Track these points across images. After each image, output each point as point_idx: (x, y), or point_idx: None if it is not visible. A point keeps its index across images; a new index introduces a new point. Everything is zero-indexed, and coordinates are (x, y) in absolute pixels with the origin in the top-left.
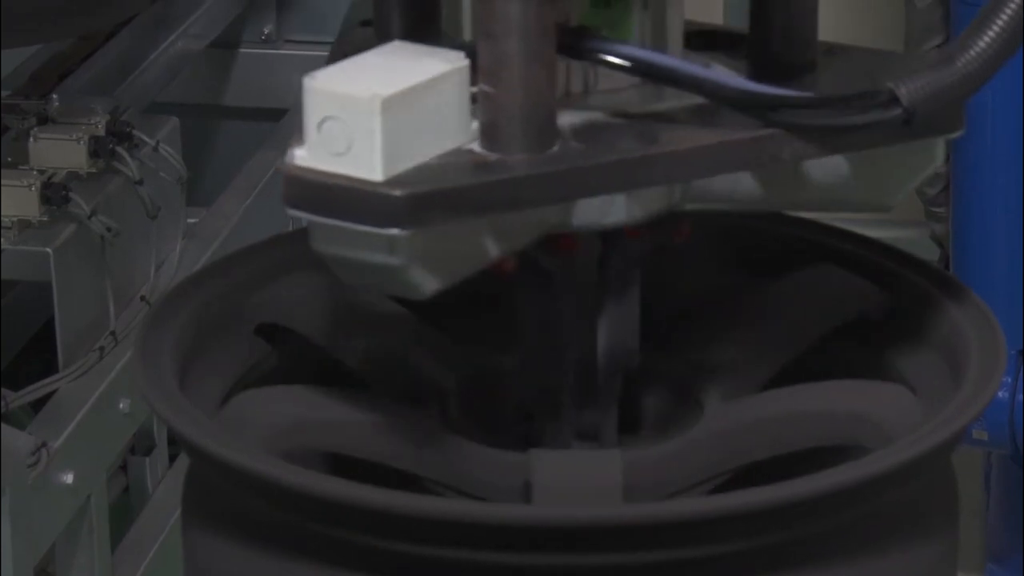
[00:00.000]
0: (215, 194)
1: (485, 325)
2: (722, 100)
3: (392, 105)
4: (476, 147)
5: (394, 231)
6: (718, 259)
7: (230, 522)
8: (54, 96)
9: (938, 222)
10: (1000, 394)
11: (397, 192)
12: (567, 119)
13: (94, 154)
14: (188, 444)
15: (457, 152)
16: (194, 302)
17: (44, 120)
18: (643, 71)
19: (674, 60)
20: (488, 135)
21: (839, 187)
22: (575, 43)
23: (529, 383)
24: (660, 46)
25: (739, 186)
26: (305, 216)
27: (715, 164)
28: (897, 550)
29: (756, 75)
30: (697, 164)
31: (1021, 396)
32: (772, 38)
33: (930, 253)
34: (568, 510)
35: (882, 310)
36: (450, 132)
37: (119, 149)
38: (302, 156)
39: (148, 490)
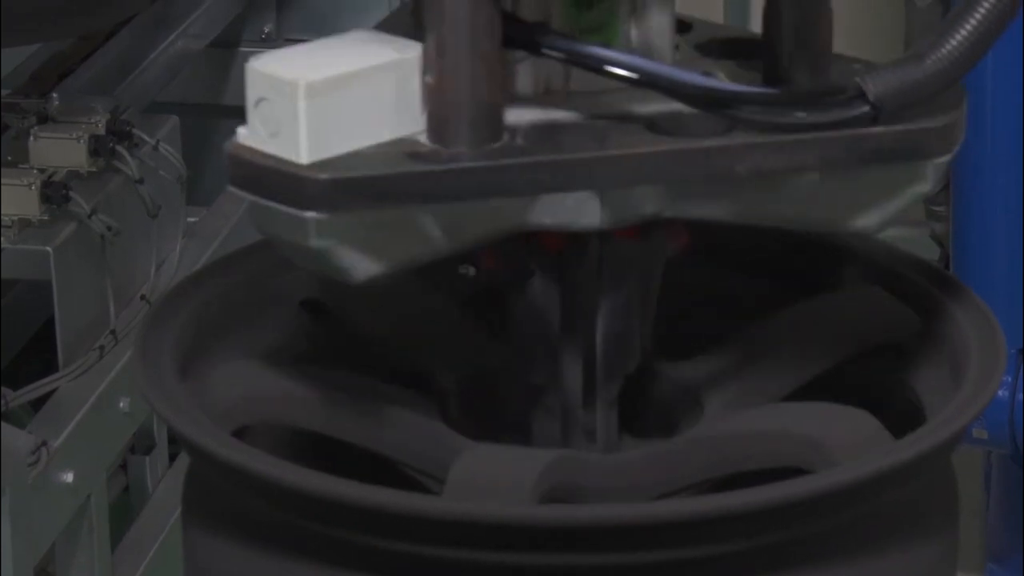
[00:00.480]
0: (215, 193)
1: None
2: (679, 96)
3: (318, 90)
4: (423, 138)
5: (312, 214)
6: (750, 264)
7: (230, 521)
8: (54, 95)
9: (938, 221)
10: (1000, 393)
11: (317, 176)
12: (529, 116)
13: (94, 153)
14: (188, 443)
15: (399, 142)
16: (194, 301)
17: (44, 119)
18: (595, 67)
19: (630, 56)
20: (431, 126)
21: (818, 206)
22: (528, 38)
23: (522, 380)
24: (647, 50)
25: (712, 197)
26: (242, 194)
27: (658, 172)
28: (897, 550)
29: (767, 83)
30: (638, 170)
31: (1021, 395)
32: (782, 46)
33: (930, 252)
34: (568, 510)
35: (905, 334)
36: (394, 121)
37: (119, 148)
38: (243, 135)
39: (148, 489)
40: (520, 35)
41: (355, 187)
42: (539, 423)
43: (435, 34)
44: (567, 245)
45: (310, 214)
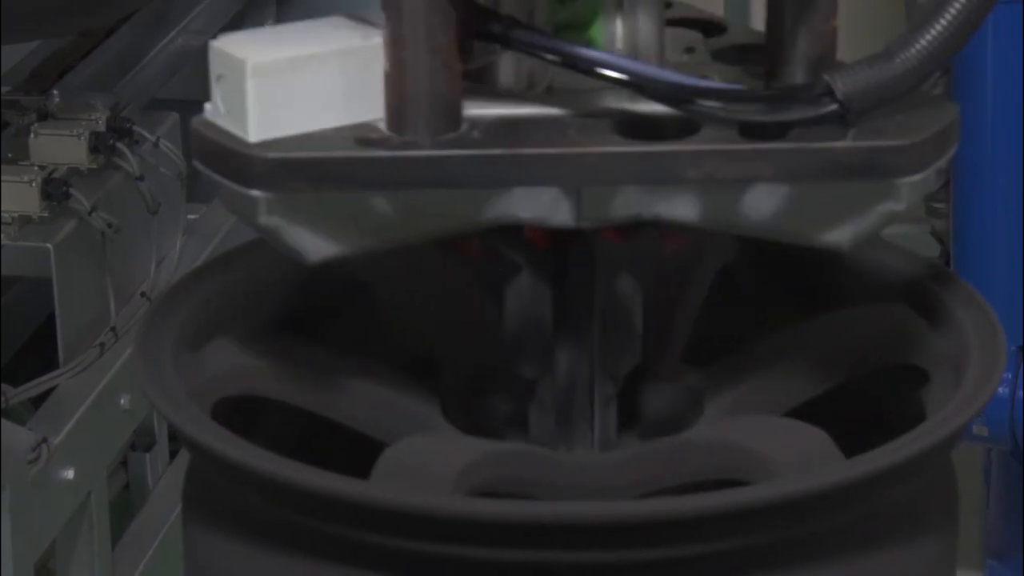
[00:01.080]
0: (215, 190)
1: None
2: (643, 90)
3: (266, 70)
4: (383, 125)
5: (257, 192)
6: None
7: (231, 518)
8: (55, 92)
9: (938, 218)
10: (1000, 390)
11: (262, 155)
12: (498, 110)
13: (95, 150)
14: (188, 440)
15: (357, 127)
16: (194, 298)
17: (45, 116)
18: (562, 62)
19: (594, 51)
20: (388, 114)
21: (784, 218)
22: (497, 32)
23: (519, 375)
24: (632, 48)
25: (681, 201)
26: (202, 169)
27: (609, 172)
28: (896, 548)
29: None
30: (589, 169)
31: (1021, 392)
32: (783, 50)
33: (930, 249)
34: (581, 507)
35: (938, 360)
36: (353, 106)
37: (120, 145)
38: (208, 111)
39: (148, 486)
40: (489, 28)
41: (299, 168)
42: (536, 420)
43: (391, 26)
44: (556, 242)
45: (256, 192)
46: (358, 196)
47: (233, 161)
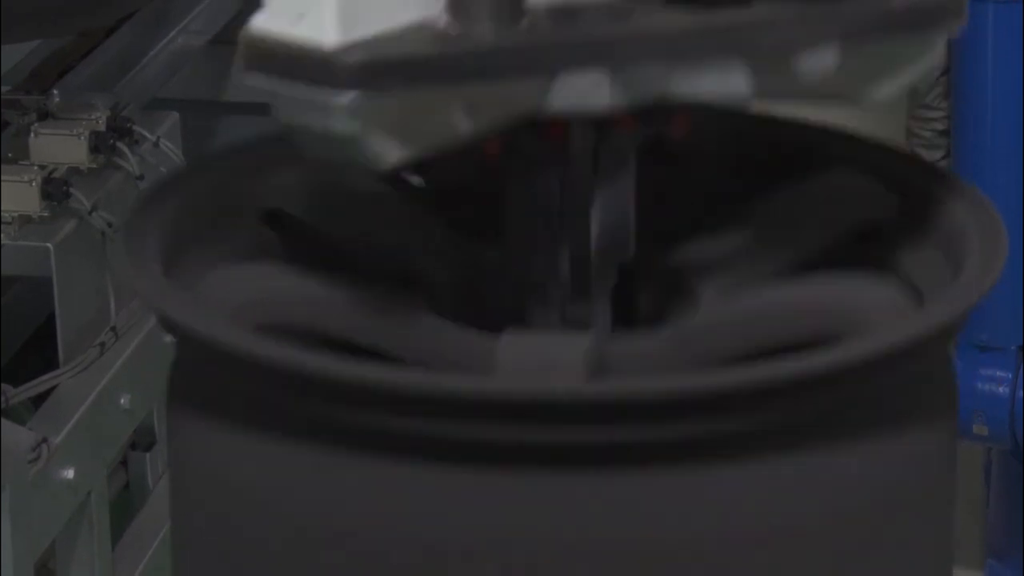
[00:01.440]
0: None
1: (486, 218)
2: None
3: None
4: (440, 21)
5: (346, 97)
6: (730, 161)
7: (215, 405)
8: (55, 92)
9: None
10: (1000, 390)
11: (349, 58)
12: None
13: (95, 150)
14: (169, 321)
15: (425, 23)
16: (182, 193)
17: (45, 116)
18: None
19: None
20: (453, 7)
21: (833, 79)
22: None
23: (518, 273)
24: None
25: (725, 76)
26: (262, 82)
27: (684, 48)
28: (893, 436)
29: None
30: (664, 47)
31: (1021, 392)
32: None
33: None
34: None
35: (891, 214)
36: (414, 3)
37: (120, 145)
38: (263, 19)
39: (148, 486)
40: None
41: (386, 69)
42: (533, 316)
43: None
44: (568, 134)
45: (341, 97)
46: (442, 93)
47: (313, 68)
